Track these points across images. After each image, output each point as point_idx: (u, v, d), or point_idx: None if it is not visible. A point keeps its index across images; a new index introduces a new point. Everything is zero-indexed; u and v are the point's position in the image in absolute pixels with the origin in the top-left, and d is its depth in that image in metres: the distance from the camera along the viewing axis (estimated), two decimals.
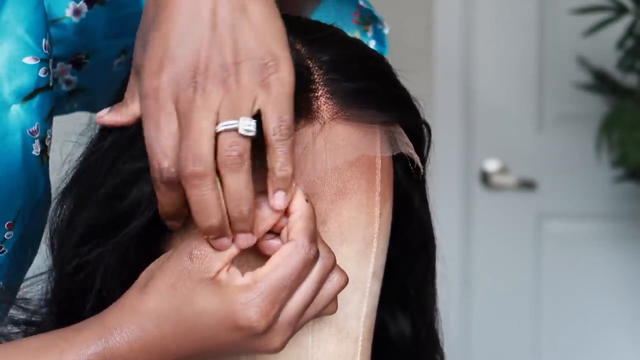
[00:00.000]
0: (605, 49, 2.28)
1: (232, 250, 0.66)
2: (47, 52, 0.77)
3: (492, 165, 2.57)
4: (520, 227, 2.57)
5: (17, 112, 0.76)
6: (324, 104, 0.72)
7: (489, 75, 2.55)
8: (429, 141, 0.80)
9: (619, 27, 2.17)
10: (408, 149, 0.75)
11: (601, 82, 2.30)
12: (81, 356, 0.66)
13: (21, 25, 0.75)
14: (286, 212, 0.67)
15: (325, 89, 0.73)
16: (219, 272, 0.66)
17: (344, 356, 0.75)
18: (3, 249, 0.78)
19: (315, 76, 0.73)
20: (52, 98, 0.78)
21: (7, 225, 0.77)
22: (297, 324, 0.68)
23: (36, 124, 0.77)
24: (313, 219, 0.67)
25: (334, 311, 0.71)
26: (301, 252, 0.66)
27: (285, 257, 0.66)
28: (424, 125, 0.79)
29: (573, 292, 2.56)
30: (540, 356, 2.57)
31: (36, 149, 0.77)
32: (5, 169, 0.75)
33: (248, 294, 0.65)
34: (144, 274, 0.68)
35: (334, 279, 0.69)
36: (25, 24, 0.75)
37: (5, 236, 0.78)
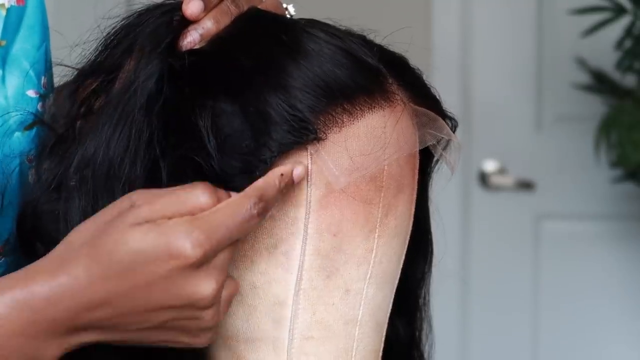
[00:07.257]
0: (603, 49, 2.28)
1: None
2: (45, 89, 0.80)
3: (490, 166, 2.56)
4: (518, 227, 2.56)
5: (18, 138, 0.77)
6: (398, 89, 0.74)
7: (487, 75, 2.55)
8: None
9: (617, 28, 2.16)
10: (441, 149, 0.77)
11: (600, 83, 2.30)
12: None
13: (26, 60, 0.79)
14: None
15: (395, 79, 0.75)
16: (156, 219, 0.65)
17: None
18: None
19: (382, 69, 0.74)
20: (46, 134, 0.79)
21: None
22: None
23: (32, 153, 0.78)
24: (274, 186, 0.68)
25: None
26: (245, 204, 0.66)
27: (229, 202, 0.67)
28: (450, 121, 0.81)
29: (571, 293, 2.56)
30: (538, 356, 2.56)
31: (32, 178, 0.78)
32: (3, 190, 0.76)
33: (185, 225, 0.65)
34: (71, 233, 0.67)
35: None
36: (29, 60, 0.79)
37: None
